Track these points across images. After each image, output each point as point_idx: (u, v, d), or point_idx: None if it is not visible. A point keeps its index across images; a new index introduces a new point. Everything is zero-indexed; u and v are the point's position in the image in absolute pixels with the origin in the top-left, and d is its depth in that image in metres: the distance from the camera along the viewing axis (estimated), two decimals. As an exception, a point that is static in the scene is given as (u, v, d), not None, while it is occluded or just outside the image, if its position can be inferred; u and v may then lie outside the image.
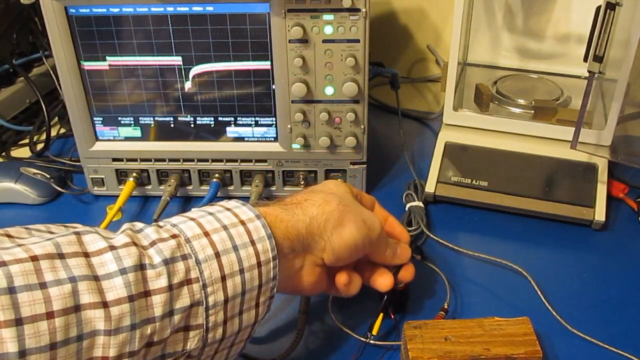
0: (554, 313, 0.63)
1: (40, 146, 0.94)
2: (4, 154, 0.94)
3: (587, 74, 0.70)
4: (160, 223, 0.47)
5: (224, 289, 0.44)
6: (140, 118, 0.78)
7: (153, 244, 0.43)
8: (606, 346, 0.60)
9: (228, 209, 0.48)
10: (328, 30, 0.70)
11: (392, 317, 0.62)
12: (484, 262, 0.70)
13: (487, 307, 0.65)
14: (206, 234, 0.45)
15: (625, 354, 0.59)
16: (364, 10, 0.69)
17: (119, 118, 0.78)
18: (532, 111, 0.81)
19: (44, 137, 0.95)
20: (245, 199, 0.52)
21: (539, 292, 0.65)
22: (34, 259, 0.38)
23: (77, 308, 0.38)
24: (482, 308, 0.65)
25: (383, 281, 0.59)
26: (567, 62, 0.91)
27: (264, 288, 0.47)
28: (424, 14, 1.11)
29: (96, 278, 0.40)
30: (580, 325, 0.62)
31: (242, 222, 0.47)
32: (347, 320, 0.63)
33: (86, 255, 0.41)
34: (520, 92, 0.85)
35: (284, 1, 0.68)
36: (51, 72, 0.96)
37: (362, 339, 0.60)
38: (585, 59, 0.69)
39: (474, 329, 0.56)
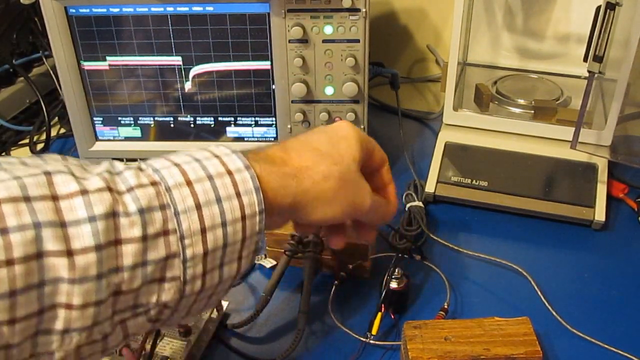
0: (554, 313, 0.63)
1: (40, 146, 0.94)
2: (4, 154, 0.94)
3: (587, 74, 0.70)
4: (142, 165, 0.44)
5: (204, 242, 0.42)
6: (140, 118, 0.78)
7: (130, 190, 0.41)
8: (606, 346, 0.60)
9: (216, 156, 0.46)
10: (328, 30, 0.70)
11: (392, 316, 0.62)
12: (484, 262, 0.70)
13: (487, 307, 0.65)
14: (189, 183, 0.43)
15: (625, 354, 0.59)
16: (364, 10, 0.69)
17: (119, 118, 0.78)
18: (532, 111, 0.81)
19: (44, 137, 0.95)
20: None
21: (539, 292, 0.65)
22: None
23: (39, 255, 0.36)
24: (482, 308, 0.65)
25: (336, 241, 0.56)
26: (567, 62, 0.91)
27: (247, 242, 0.45)
28: (424, 14, 1.11)
29: (63, 224, 0.37)
30: (580, 325, 0.62)
31: (230, 172, 0.45)
32: (347, 320, 0.63)
33: (55, 198, 0.38)
34: (520, 92, 0.85)
35: (284, 1, 0.69)
36: (51, 72, 0.96)
37: (362, 338, 0.60)
38: (585, 59, 0.69)
39: (474, 329, 0.56)
